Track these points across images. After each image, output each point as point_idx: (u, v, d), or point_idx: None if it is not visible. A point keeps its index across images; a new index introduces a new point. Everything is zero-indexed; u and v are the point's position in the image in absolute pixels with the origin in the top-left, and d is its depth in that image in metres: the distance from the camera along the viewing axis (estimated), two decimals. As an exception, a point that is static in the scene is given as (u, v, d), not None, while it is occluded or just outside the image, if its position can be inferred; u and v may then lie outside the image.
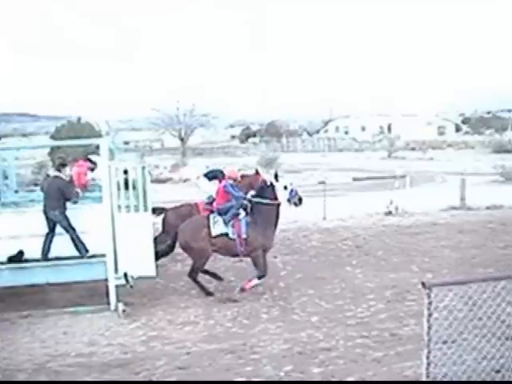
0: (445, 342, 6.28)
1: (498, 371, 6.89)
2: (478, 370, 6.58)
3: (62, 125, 55.70)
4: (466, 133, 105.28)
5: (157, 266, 12.74)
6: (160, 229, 15.18)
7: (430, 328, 5.72)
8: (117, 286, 12.00)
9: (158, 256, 13.27)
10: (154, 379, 8.77)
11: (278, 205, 13.09)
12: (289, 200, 13.09)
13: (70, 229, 12.40)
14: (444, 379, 6.04)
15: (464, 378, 6.34)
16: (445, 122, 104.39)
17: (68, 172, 13.54)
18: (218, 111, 78.05)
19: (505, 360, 6.93)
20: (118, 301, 11.84)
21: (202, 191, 16.25)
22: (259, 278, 12.94)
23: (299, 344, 9.90)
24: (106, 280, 11.98)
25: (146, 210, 12.60)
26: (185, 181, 42.41)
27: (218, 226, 12.89)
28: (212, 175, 16.23)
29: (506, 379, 6.63)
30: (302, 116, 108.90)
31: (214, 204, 14.82)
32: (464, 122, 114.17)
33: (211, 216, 13.17)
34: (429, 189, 32.32)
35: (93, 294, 12.51)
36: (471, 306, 6.66)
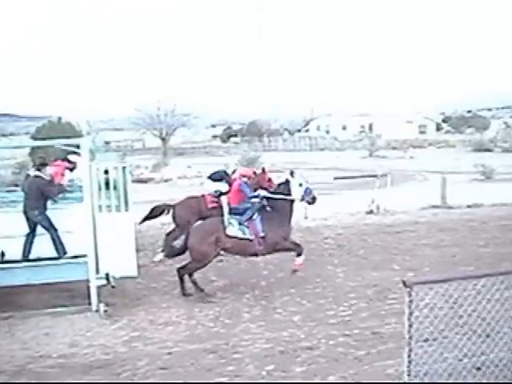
0: (426, 340, 6.32)
1: (478, 368, 6.93)
2: (459, 368, 6.61)
3: (42, 125, 55.42)
4: (447, 132, 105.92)
5: (138, 267, 12.71)
6: (141, 228, 15.18)
7: (411, 326, 5.74)
8: (98, 287, 11.94)
9: (175, 253, 13.30)
10: (136, 380, 8.74)
11: (292, 201, 13.12)
12: (302, 198, 13.16)
13: (51, 228, 12.36)
14: (425, 377, 6.06)
15: (445, 376, 6.37)
16: (426, 121, 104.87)
17: (48, 171, 13.51)
18: (200, 111, 78.05)
19: (485, 357, 6.98)
20: (100, 301, 11.77)
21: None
22: (299, 255, 12.94)
23: (281, 343, 9.89)
24: (88, 280, 11.92)
25: (127, 209, 12.56)
26: (166, 181, 42.41)
27: (231, 228, 12.78)
28: (216, 177, 16.35)
29: (487, 376, 6.67)
30: (284, 115, 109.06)
31: (223, 199, 15.02)
32: (445, 120, 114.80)
33: (225, 219, 13.09)
34: (410, 187, 32.46)
35: (74, 295, 12.45)
36: (452, 304, 6.70)
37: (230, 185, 15.92)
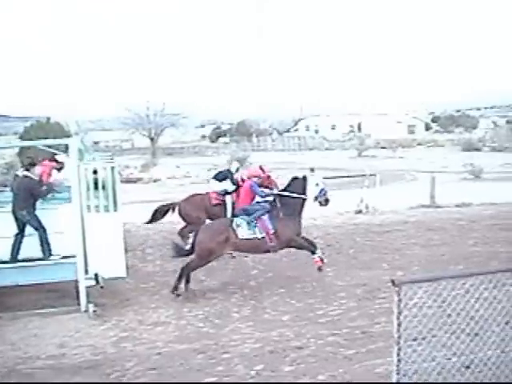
0: (415, 339, 6.32)
1: (467, 367, 6.94)
2: (448, 367, 6.62)
3: (31, 125, 55.20)
4: (436, 131, 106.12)
5: (127, 267, 12.68)
6: (130, 228, 15.17)
7: (399, 325, 5.75)
8: (87, 287, 11.91)
9: (184, 254, 13.28)
10: (125, 380, 8.73)
11: (304, 199, 13.16)
12: (316, 198, 13.22)
13: (40, 228, 12.32)
14: (414, 376, 6.07)
15: (434, 375, 6.39)
16: (415, 121, 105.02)
17: (37, 171, 13.47)
18: (189, 111, 77.88)
19: (474, 356, 6.99)
20: (89, 302, 11.75)
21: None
22: (314, 252, 13.12)
23: (270, 343, 9.90)
24: (77, 281, 11.89)
25: (115, 210, 12.53)
26: (155, 181, 42.34)
27: (241, 230, 12.80)
28: (221, 176, 16.45)
29: (476, 375, 6.68)
30: (273, 115, 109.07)
31: (227, 198, 15.73)
32: (434, 120, 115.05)
33: (235, 220, 13.11)
34: (399, 187, 32.51)
35: (63, 296, 12.42)
36: (441, 303, 6.72)
37: (235, 183, 16.16)
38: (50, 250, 12.33)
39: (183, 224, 16.32)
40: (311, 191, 13.09)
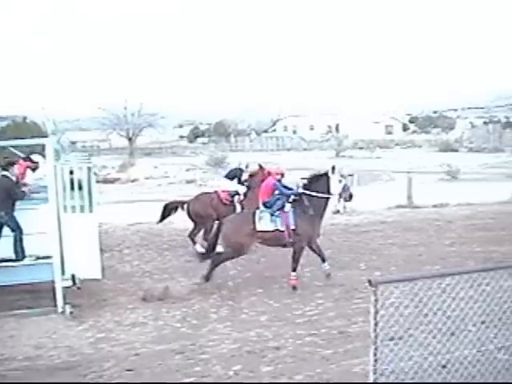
0: (392, 339, 6.34)
1: (444, 366, 6.97)
2: (425, 366, 6.65)
3: (7, 124, 54.78)
4: (414, 132, 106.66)
5: (103, 268, 12.64)
6: (108, 229, 15.12)
7: (376, 325, 5.76)
8: (64, 288, 11.84)
9: (214, 247, 13.38)
10: (102, 381, 8.68)
11: (328, 197, 13.24)
12: (340, 194, 13.36)
13: (17, 229, 12.23)
14: (391, 375, 6.08)
15: (411, 374, 6.41)
16: (392, 121, 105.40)
17: (16, 171, 13.36)
18: (167, 111, 77.83)
19: (451, 355, 7.03)
20: (66, 303, 11.68)
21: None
22: (324, 260, 13.37)
23: (248, 343, 9.90)
24: (53, 282, 11.81)
25: (91, 211, 12.48)
26: (133, 181, 42.17)
27: (263, 222, 12.96)
28: (231, 175, 16.58)
29: (452, 374, 6.72)
30: (251, 115, 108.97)
31: (236, 199, 15.99)
32: (411, 121, 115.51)
33: (257, 212, 13.24)
34: (376, 187, 32.64)
35: (39, 297, 12.32)
36: (417, 302, 6.75)
37: (242, 183, 16.51)
38: (23, 252, 12.23)
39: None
40: (335, 188, 13.19)
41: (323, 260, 13.40)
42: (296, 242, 13.07)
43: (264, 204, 13.44)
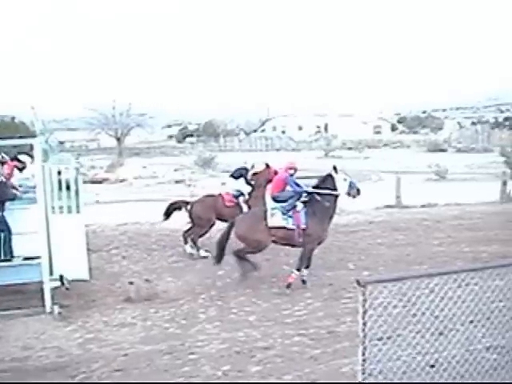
0: (380, 339, 6.35)
1: (432, 366, 7.00)
2: (413, 366, 6.66)
3: (-4, 124, 54.62)
4: (402, 132, 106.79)
5: (90, 269, 12.60)
6: (96, 229, 15.08)
7: (365, 325, 5.76)
8: (52, 289, 11.80)
9: (223, 246, 13.39)
10: (90, 382, 8.66)
11: (337, 196, 13.27)
12: (348, 192, 13.34)
13: (5, 230, 12.18)
14: (380, 375, 6.09)
15: (399, 374, 6.42)
16: (381, 122, 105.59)
17: (5, 171, 13.31)
18: (155, 111, 77.70)
19: (439, 355, 7.05)
20: (54, 303, 11.64)
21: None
22: (298, 270, 13.17)
23: (237, 343, 9.90)
24: (41, 282, 11.77)
25: (78, 211, 12.45)
26: (121, 181, 42.08)
27: (275, 218, 13.05)
28: (237, 174, 16.62)
29: (440, 373, 6.73)
30: (239, 115, 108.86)
31: (241, 199, 15.91)
32: (400, 121, 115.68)
33: (268, 208, 13.38)
34: (365, 187, 32.53)
35: (28, 297, 12.27)
36: (406, 302, 6.76)
37: (248, 183, 16.54)
38: (11, 252, 12.19)
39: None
40: (342, 187, 13.25)
41: (298, 269, 13.29)
42: (308, 243, 13.12)
43: (274, 198, 13.62)
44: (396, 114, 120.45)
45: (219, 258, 13.45)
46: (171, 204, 16.87)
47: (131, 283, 12.90)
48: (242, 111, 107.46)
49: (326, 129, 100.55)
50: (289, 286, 12.96)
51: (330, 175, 13.27)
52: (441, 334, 7.17)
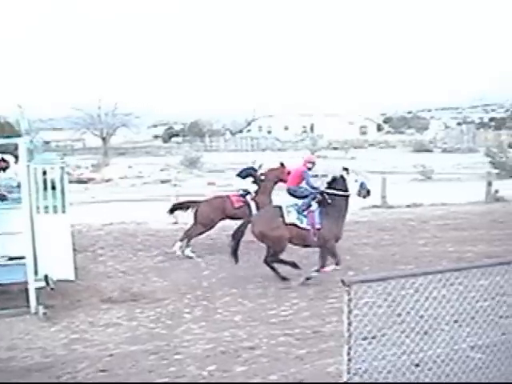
0: (365, 338, 6.36)
1: (417, 365, 7.03)
2: (398, 365, 6.67)
3: (-18, 125, 54.40)
4: (388, 132, 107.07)
5: (76, 269, 12.56)
6: (81, 229, 15.03)
7: (350, 325, 5.78)
8: (37, 289, 11.75)
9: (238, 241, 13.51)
10: (76, 382, 8.64)
11: (348, 197, 13.49)
12: (359, 192, 13.58)
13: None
14: (365, 374, 6.10)
15: (384, 373, 6.43)
16: (366, 122, 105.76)
17: None
18: (141, 111, 77.46)
19: (424, 354, 7.07)
20: (39, 304, 11.57)
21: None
22: (337, 264, 13.30)
23: (223, 343, 9.89)
24: (26, 282, 11.72)
25: (64, 211, 12.41)
26: (107, 181, 41.97)
27: (291, 216, 13.18)
28: (244, 174, 16.65)
29: (425, 373, 6.76)
30: (225, 115, 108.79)
31: (249, 198, 16.27)
32: (385, 121, 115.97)
33: (284, 206, 13.43)
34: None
35: (12, 298, 12.20)
36: (390, 302, 6.76)
37: (255, 182, 16.66)
38: None
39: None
40: (353, 188, 13.50)
41: (337, 264, 13.41)
42: (327, 241, 13.26)
43: (289, 191, 13.96)
44: (382, 114, 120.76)
45: (235, 256, 13.60)
46: (180, 203, 16.91)
47: None
48: (228, 111, 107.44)
49: (312, 129, 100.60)
50: (318, 270, 13.29)
51: (341, 176, 13.50)
52: (426, 333, 7.20)
